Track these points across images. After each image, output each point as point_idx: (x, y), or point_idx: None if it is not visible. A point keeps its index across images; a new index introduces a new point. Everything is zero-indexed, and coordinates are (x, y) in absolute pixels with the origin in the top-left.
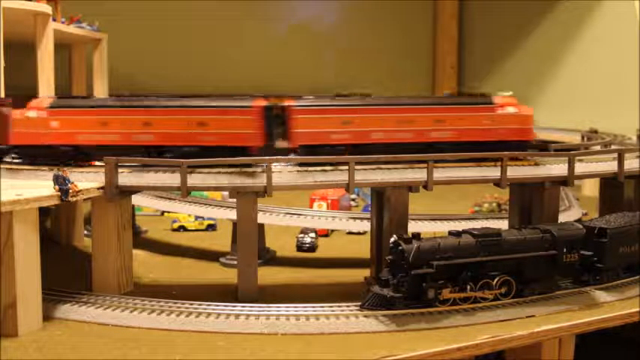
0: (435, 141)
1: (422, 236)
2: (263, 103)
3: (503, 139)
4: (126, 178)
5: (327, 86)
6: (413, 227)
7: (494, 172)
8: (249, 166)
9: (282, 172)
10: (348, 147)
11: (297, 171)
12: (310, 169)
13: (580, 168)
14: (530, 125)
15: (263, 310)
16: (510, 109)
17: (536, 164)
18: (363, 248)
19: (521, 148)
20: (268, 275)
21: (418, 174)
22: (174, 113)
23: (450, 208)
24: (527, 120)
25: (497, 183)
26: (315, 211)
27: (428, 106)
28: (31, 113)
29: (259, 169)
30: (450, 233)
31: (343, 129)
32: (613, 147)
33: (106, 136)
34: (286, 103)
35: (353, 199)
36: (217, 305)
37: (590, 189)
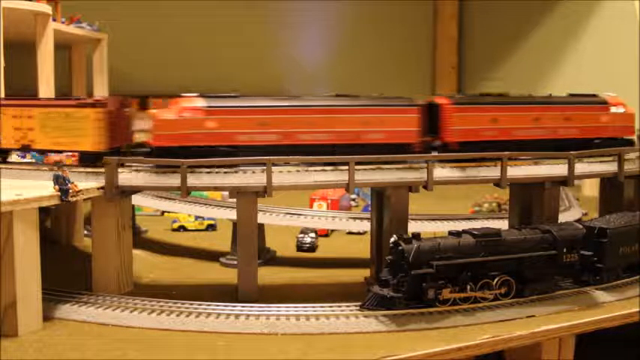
0: (563, 138)
1: (422, 236)
2: (422, 102)
3: (613, 135)
4: (126, 178)
5: (327, 86)
6: (413, 227)
7: (494, 172)
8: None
9: (282, 172)
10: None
11: (297, 171)
12: (311, 169)
13: (580, 168)
14: (633, 123)
15: (263, 310)
16: (620, 109)
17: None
18: (363, 248)
19: (628, 144)
20: (268, 275)
21: (418, 174)
22: (337, 112)
23: (450, 208)
24: (632, 118)
25: (497, 183)
26: (315, 211)
27: (559, 105)
28: (186, 114)
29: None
30: (450, 233)
31: (491, 126)
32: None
33: (264, 136)
34: (441, 101)
35: (353, 199)
36: (217, 305)
37: (590, 189)
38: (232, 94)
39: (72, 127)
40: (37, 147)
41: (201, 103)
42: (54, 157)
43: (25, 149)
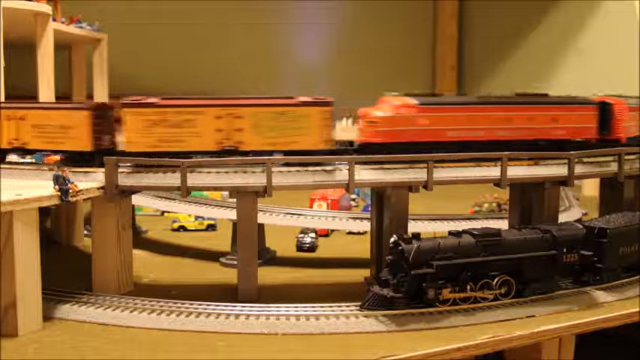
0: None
1: (422, 236)
2: (596, 100)
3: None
4: (126, 178)
5: (326, 86)
6: (413, 227)
7: (494, 172)
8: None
9: (282, 171)
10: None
11: (297, 171)
12: (314, 168)
13: (580, 168)
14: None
15: (263, 310)
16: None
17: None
18: (363, 248)
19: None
20: (268, 275)
21: (418, 174)
22: (533, 110)
23: (450, 208)
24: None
25: (497, 183)
26: (315, 211)
27: None
28: (403, 111)
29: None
30: (450, 233)
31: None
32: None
33: (471, 133)
34: (611, 100)
35: (353, 199)
36: (217, 305)
37: (590, 189)
38: (430, 94)
39: (292, 127)
40: (245, 149)
41: (414, 100)
42: (54, 157)
43: (227, 152)
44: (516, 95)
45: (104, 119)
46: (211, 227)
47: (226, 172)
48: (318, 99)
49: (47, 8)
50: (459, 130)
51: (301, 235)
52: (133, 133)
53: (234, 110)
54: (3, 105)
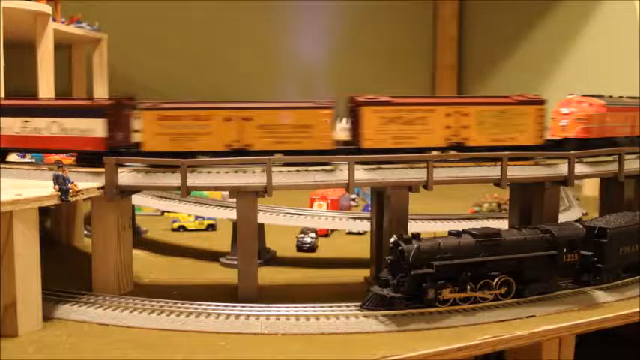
0: None
1: (422, 236)
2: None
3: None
4: (126, 178)
5: (327, 86)
6: (413, 227)
7: (494, 172)
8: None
9: (283, 171)
10: None
11: (297, 171)
12: (311, 168)
13: (580, 168)
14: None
15: (263, 310)
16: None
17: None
18: (363, 248)
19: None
20: (268, 275)
21: (418, 174)
22: None
23: (450, 208)
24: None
25: (498, 183)
26: (315, 211)
27: None
28: (599, 109)
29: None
30: (450, 233)
31: None
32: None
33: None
34: None
35: (353, 199)
36: (217, 305)
37: (590, 189)
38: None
39: (511, 124)
40: (471, 144)
41: (601, 100)
42: (54, 156)
43: (456, 148)
44: None
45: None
46: (211, 227)
47: (227, 173)
48: (534, 98)
49: (47, 8)
50: (625, 127)
51: (301, 235)
52: (370, 130)
53: (461, 108)
54: (222, 106)
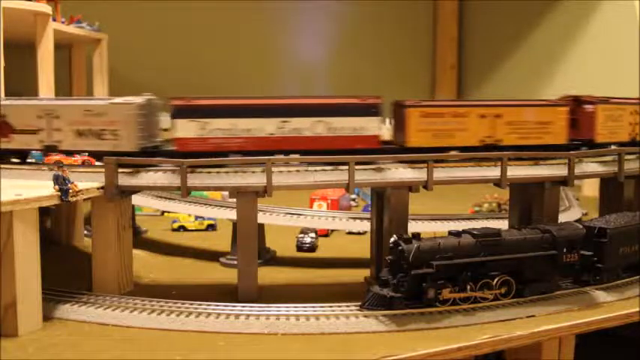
0: None
1: (422, 236)
2: None
3: None
4: (126, 178)
5: (327, 86)
6: (413, 227)
7: (494, 172)
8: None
9: (283, 171)
10: None
11: (297, 170)
12: (312, 168)
13: (580, 168)
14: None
15: (263, 310)
16: None
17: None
18: (363, 248)
19: None
20: (268, 275)
21: (418, 174)
22: None
23: (450, 208)
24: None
25: (498, 183)
26: (315, 211)
27: None
28: None
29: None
30: (450, 233)
31: None
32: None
33: None
34: None
35: (353, 199)
36: (217, 305)
37: (590, 189)
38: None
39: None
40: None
41: None
42: (55, 156)
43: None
44: None
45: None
46: (211, 227)
47: (227, 173)
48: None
49: (47, 8)
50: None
51: (301, 235)
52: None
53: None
54: (478, 103)
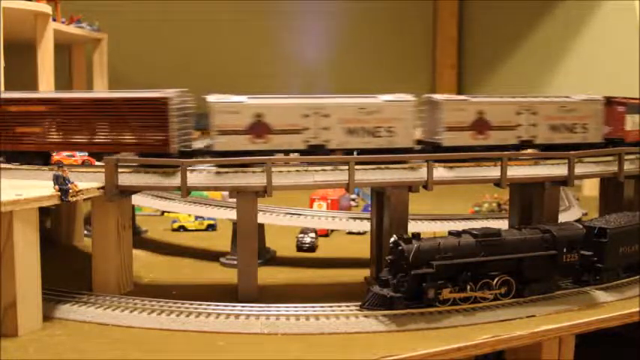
0: None
1: (422, 236)
2: None
3: None
4: (126, 178)
5: (327, 86)
6: (413, 227)
7: (494, 172)
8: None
9: (282, 171)
10: None
11: (297, 170)
12: (312, 168)
13: (580, 168)
14: None
15: (263, 310)
16: None
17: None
18: (363, 248)
19: None
20: (268, 275)
21: (418, 174)
22: None
23: (450, 208)
24: None
25: (498, 183)
26: (315, 211)
27: None
28: None
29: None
30: (450, 233)
31: None
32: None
33: None
34: None
35: (353, 199)
36: (217, 305)
37: (590, 189)
38: None
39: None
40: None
41: None
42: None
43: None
44: None
45: None
46: (211, 227)
47: (227, 173)
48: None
49: (47, 8)
50: None
51: (301, 235)
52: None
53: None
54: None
